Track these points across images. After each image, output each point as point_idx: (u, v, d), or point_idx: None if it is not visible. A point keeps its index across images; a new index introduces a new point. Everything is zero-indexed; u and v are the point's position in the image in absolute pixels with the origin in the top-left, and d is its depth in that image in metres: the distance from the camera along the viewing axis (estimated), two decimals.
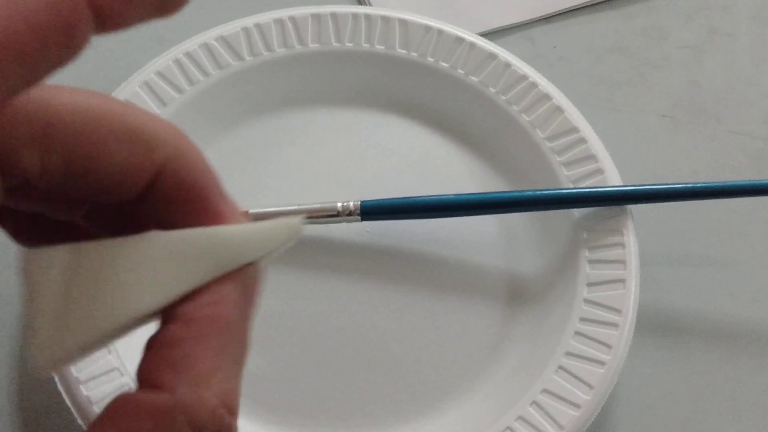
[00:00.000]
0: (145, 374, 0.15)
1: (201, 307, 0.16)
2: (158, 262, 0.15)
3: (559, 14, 0.41)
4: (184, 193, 0.16)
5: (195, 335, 0.15)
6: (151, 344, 0.15)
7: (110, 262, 0.15)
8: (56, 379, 0.28)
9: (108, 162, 0.15)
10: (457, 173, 0.36)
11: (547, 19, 0.41)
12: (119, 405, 0.14)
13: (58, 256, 0.14)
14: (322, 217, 0.33)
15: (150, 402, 0.14)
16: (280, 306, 0.32)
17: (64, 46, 0.13)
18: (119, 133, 0.15)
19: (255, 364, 0.31)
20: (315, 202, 0.33)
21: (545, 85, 0.36)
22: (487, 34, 0.40)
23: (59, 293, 0.14)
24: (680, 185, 0.32)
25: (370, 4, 0.41)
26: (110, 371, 0.29)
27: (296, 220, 0.18)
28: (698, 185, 0.32)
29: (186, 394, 0.14)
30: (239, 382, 0.16)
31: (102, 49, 0.40)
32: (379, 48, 0.37)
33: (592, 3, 0.42)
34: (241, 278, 0.17)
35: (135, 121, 0.15)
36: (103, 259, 0.15)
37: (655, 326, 0.33)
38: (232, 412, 0.15)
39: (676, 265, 0.35)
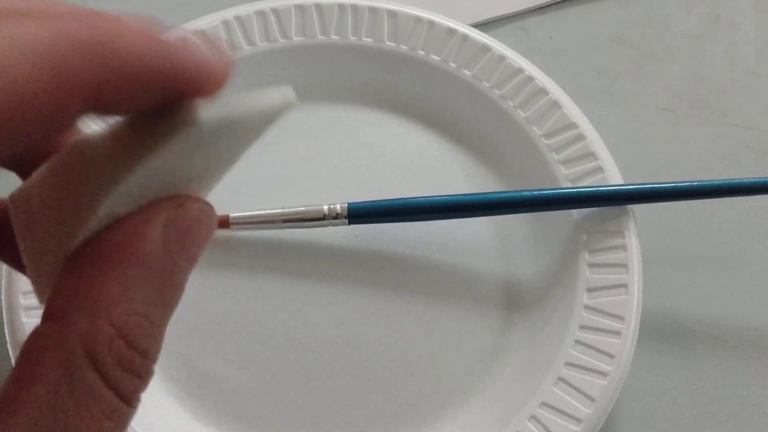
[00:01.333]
0: (49, 303, 0.14)
1: (116, 234, 0.15)
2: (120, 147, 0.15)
3: (555, 3, 0.40)
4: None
5: (100, 263, 0.14)
6: (62, 270, 0.15)
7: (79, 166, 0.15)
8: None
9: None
10: (450, 172, 0.34)
11: (543, 8, 0.40)
12: (30, 341, 0.14)
13: (30, 187, 0.15)
14: (307, 220, 0.31)
15: (48, 333, 0.14)
16: (265, 315, 0.31)
17: (52, 125, 0.13)
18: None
19: (239, 377, 0.30)
20: (300, 205, 0.31)
21: (541, 78, 0.34)
22: (480, 25, 0.39)
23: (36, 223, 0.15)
24: (684, 184, 0.30)
25: None
26: None
27: (287, 87, 0.17)
28: (703, 183, 0.30)
29: (80, 323, 0.13)
30: (157, 326, 0.15)
31: None
32: (367, 41, 0.35)
33: None
34: (174, 212, 0.15)
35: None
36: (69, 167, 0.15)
37: (660, 332, 0.32)
38: (144, 353, 0.14)
39: (680, 266, 0.33)
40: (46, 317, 0.14)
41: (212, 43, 0.15)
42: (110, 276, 0.14)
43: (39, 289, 0.16)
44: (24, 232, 0.15)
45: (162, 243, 0.15)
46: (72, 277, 0.14)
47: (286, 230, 0.32)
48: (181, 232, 0.15)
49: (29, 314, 0.28)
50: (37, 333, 0.14)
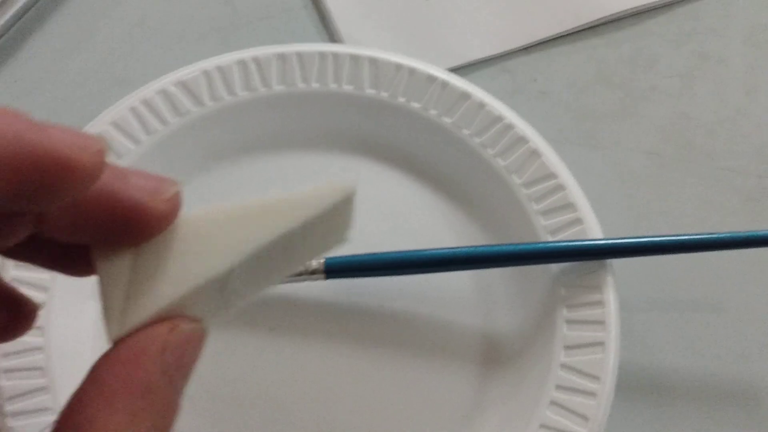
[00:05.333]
0: None
1: (114, 365, 0.15)
2: (197, 242, 0.17)
3: (539, 44, 0.39)
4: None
5: (102, 399, 0.14)
6: (68, 404, 0.15)
7: (162, 253, 0.17)
8: None
9: None
10: (431, 220, 0.34)
11: (527, 49, 0.39)
12: None
13: (124, 256, 0.17)
14: None
15: None
16: (240, 372, 0.31)
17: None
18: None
19: None
20: None
21: (522, 126, 0.34)
22: (463, 67, 0.38)
23: (124, 285, 0.17)
24: (664, 238, 0.30)
25: (342, 39, 0.39)
26: (44, 410, 0.28)
27: (348, 181, 0.19)
28: (683, 238, 0.30)
29: None
30: None
31: (56, 94, 0.38)
32: (348, 88, 0.35)
33: (574, 31, 0.40)
34: (168, 336, 0.16)
35: None
36: (158, 252, 0.17)
37: (638, 385, 0.31)
38: None
39: (660, 316, 0.33)
40: None
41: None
42: (114, 412, 0.14)
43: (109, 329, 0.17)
44: (111, 287, 0.17)
45: (162, 370, 0.15)
46: (75, 416, 0.14)
47: None
48: (178, 355, 0.16)
49: (8, 377, 0.29)
50: None
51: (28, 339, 0.29)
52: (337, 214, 0.19)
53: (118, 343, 0.16)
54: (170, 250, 0.17)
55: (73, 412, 0.15)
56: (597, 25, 0.40)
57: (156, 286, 0.17)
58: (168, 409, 0.15)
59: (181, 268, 0.17)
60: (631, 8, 0.40)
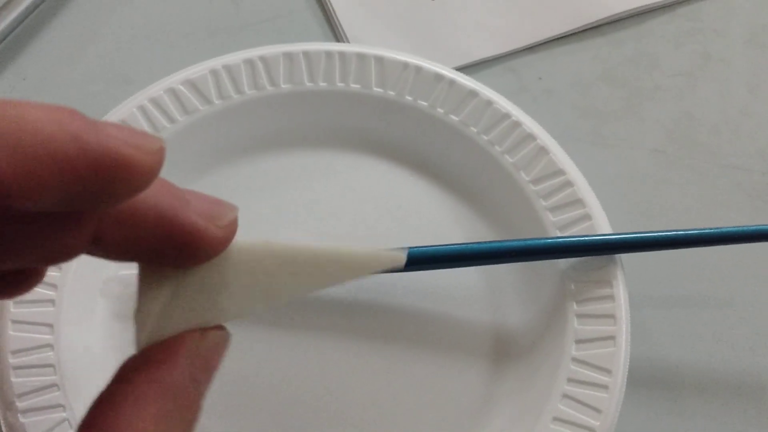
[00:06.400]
0: None
1: (145, 367, 0.15)
2: (238, 279, 0.18)
3: (544, 43, 0.40)
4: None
5: (133, 400, 0.15)
6: (95, 403, 0.15)
7: (208, 278, 0.17)
8: None
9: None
10: (439, 218, 0.34)
11: (532, 48, 0.40)
12: None
13: (167, 277, 0.17)
14: None
15: None
16: (251, 368, 0.31)
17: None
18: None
19: (225, 431, 0.30)
20: None
21: (529, 123, 0.34)
22: (469, 67, 0.39)
23: (163, 303, 0.17)
24: (671, 233, 0.30)
25: (348, 39, 0.39)
26: (55, 407, 0.28)
27: (400, 253, 0.19)
28: (690, 233, 0.30)
29: None
30: None
31: (63, 92, 0.38)
32: (355, 87, 0.35)
33: (577, 30, 0.40)
34: (198, 342, 0.16)
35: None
36: (205, 275, 0.17)
37: (649, 380, 0.31)
38: None
39: (670, 311, 0.33)
40: None
41: (135, 132, 0.14)
42: (145, 414, 0.14)
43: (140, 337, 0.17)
44: (149, 299, 0.17)
45: (190, 374, 0.15)
46: (106, 416, 0.14)
47: None
48: (206, 359, 0.16)
49: (18, 374, 0.28)
50: None
51: (38, 336, 0.29)
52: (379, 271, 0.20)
53: (149, 348, 0.16)
54: (218, 277, 0.17)
55: (102, 412, 0.15)
56: (600, 25, 0.40)
57: (195, 309, 0.17)
58: (194, 412, 0.16)
59: (223, 299, 0.17)
60: (634, 8, 0.41)
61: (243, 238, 0.18)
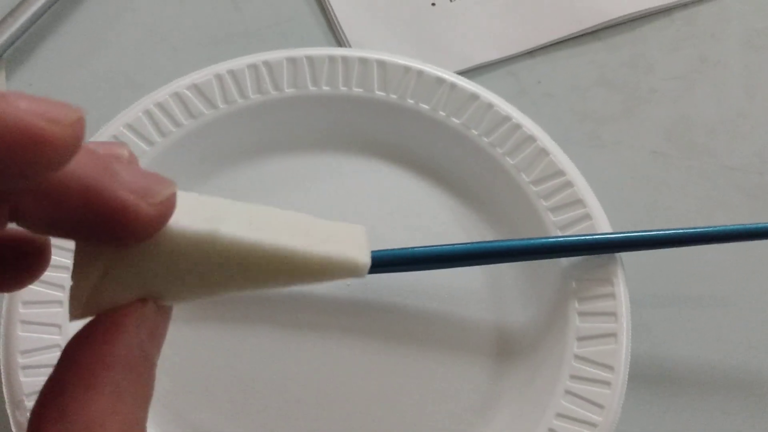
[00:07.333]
0: (34, 429, 0.14)
1: (91, 344, 0.15)
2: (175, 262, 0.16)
3: (543, 48, 0.40)
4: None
5: (83, 378, 0.14)
6: (44, 391, 0.14)
7: (139, 263, 0.16)
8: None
9: None
10: (441, 219, 0.35)
11: (531, 53, 0.40)
12: None
13: (101, 255, 0.16)
14: None
15: None
16: (257, 368, 0.31)
17: None
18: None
19: (232, 430, 0.30)
20: None
21: (529, 126, 0.34)
22: (470, 71, 0.39)
23: (94, 280, 0.16)
24: (671, 232, 0.31)
25: (349, 44, 0.40)
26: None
27: (364, 258, 0.18)
28: (690, 231, 0.31)
29: None
30: (143, 424, 0.15)
31: (69, 98, 0.38)
32: (357, 91, 0.36)
33: (576, 35, 0.41)
34: (140, 311, 0.15)
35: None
36: (134, 261, 0.16)
37: (650, 377, 0.32)
38: None
39: (670, 309, 0.33)
40: None
41: (50, 103, 0.13)
42: (97, 390, 0.14)
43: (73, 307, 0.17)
44: (82, 275, 0.16)
45: (138, 344, 0.15)
46: (57, 399, 0.14)
47: None
48: (151, 329, 0.16)
49: (27, 373, 0.29)
50: None
51: (47, 336, 0.29)
52: (339, 277, 0.19)
53: (92, 323, 0.15)
54: (152, 259, 0.16)
55: (55, 396, 0.14)
56: (598, 30, 0.41)
57: (128, 288, 0.16)
58: (146, 383, 0.15)
59: (158, 282, 0.16)
60: (630, 13, 0.41)
61: (193, 222, 0.17)
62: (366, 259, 0.18)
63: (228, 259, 0.17)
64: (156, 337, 0.16)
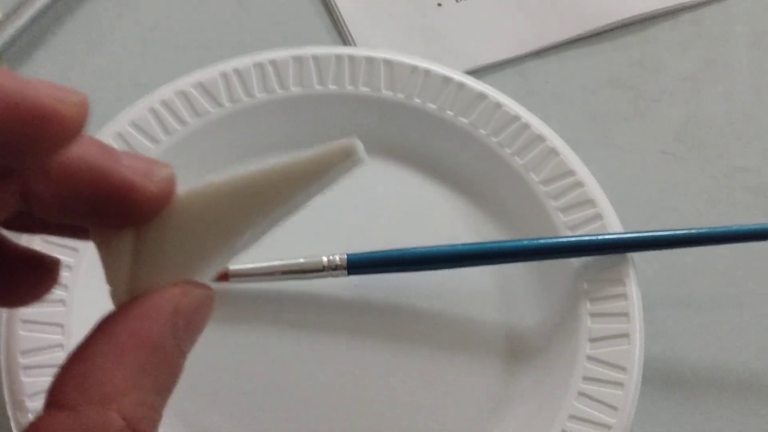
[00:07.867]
0: (53, 392, 0.14)
1: (126, 320, 0.15)
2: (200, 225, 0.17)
3: (551, 48, 0.40)
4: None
5: (111, 351, 0.14)
6: (72, 355, 0.15)
7: (165, 233, 0.17)
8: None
9: None
10: (449, 220, 0.34)
11: (539, 53, 0.40)
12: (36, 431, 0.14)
13: (123, 237, 0.17)
14: (306, 272, 0.31)
15: (56, 424, 0.13)
16: (265, 369, 0.30)
17: None
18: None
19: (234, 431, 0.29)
20: (299, 257, 0.31)
21: (538, 125, 0.34)
22: (477, 71, 0.39)
23: (127, 269, 0.17)
24: (682, 232, 0.30)
25: (355, 43, 0.40)
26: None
27: (350, 140, 0.18)
28: (701, 231, 0.30)
29: (89, 414, 0.13)
30: (160, 412, 0.15)
31: None
32: (364, 90, 0.36)
33: (584, 36, 0.40)
34: (180, 299, 0.16)
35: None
36: (160, 231, 0.17)
37: (663, 379, 0.31)
38: None
39: (682, 311, 0.33)
40: (52, 404, 0.14)
41: (56, 86, 0.14)
42: (121, 365, 0.14)
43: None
44: (114, 265, 0.17)
45: (172, 331, 0.15)
46: (81, 365, 0.14)
47: (286, 282, 0.32)
48: (188, 319, 0.16)
49: (28, 374, 0.28)
50: (44, 423, 0.14)
51: (48, 336, 0.29)
52: (339, 171, 0.19)
53: (130, 302, 0.16)
54: (172, 232, 0.17)
55: (80, 361, 0.14)
56: (605, 31, 0.41)
57: (164, 267, 0.17)
58: (173, 371, 0.15)
59: (187, 251, 0.17)
60: (638, 14, 0.41)
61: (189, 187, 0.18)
62: (357, 141, 0.18)
63: (231, 198, 0.17)
64: (192, 329, 0.16)
